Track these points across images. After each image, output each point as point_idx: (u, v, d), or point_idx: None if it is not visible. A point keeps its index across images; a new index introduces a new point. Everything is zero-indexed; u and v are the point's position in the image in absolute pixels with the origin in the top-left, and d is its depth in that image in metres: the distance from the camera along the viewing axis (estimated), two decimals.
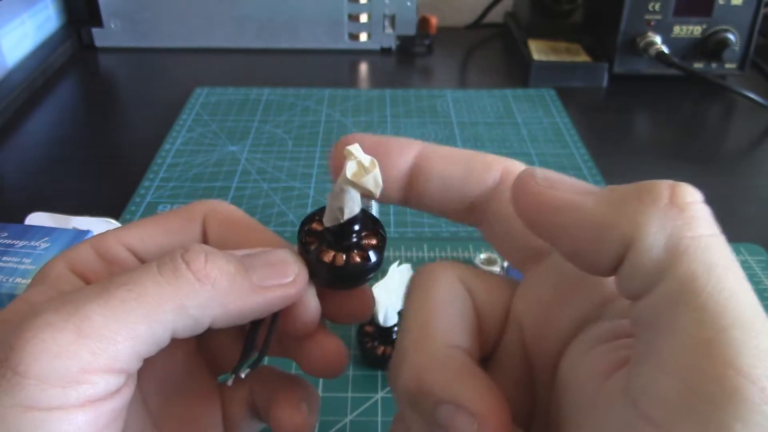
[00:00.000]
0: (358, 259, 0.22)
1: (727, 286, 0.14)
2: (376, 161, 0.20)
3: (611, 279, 0.18)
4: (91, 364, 0.17)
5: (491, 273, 0.22)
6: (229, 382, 0.22)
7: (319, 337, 0.23)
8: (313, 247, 0.22)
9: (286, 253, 0.22)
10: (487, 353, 0.21)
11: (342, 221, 0.21)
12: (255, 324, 0.22)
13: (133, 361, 0.18)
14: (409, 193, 0.22)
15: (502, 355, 0.21)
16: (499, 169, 0.21)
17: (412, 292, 0.21)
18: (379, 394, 0.36)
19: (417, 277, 0.21)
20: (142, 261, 0.23)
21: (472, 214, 0.22)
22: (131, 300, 0.18)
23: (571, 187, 0.18)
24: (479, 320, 0.21)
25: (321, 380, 0.37)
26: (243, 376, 0.22)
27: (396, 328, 0.37)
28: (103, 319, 0.17)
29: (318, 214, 0.23)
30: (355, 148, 0.20)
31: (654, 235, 0.15)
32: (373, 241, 0.22)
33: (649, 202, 0.16)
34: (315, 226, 0.23)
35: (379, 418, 0.35)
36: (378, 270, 0.23)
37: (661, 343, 0.15)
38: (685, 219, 0.15)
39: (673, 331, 0.15)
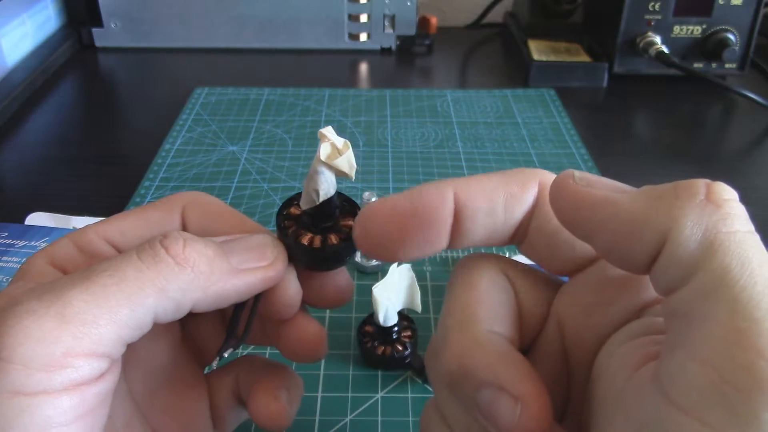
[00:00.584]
0: (335, 241, 0.22)
1: (760, 280, 0.15)
2: (348, 143, 0.21)
3: (651, 286, 0.18)
4: (74, 348, 0.17)
5: (534, 269, 0.22)
6: (214, 364, 0.22)
7: (298, 321, 0.24)
8: (291, 231, 0.22)
9: (264, 238, 0.22)
10: (525, 347, 0.21)
11: (318, 203, 0.22)
12: (238, 308, 0.23)
13: (117, 345, 0.18)
14: (456, 236, 0.21)
15: (539, 350, 0.21)
16: (535, 185, 0.21)
17: (456, 277, 0.21)
18: (379, 394, 0.36)
19: (462, 264, 0.22)
20: None
21: (515, 236, 0.21)
22: (112, 285, 0.18)
23: (608, 186, 0.18)
24: (520, 313, 0.21)
25: (321, 380, 0.37)
26: (226, 355, 0.22)
27: (396, 328, 0.37)
28: (85, 304, 0.18)
29: (295, 198, 0.23)
30: (328, 131, 0.21)
31: (690, 229, 0.16)
32: (350, 223, 0.23)
33: (686, 198, 0.16)
34: (293, 210, 0.23)
35: (379, 418, 0.35)
36: (355, 251, 0.23)
37: (693, 332, 0.15)
38: (721, 215, 0.16)
39: (706, 321, 0.15)
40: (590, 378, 0.19)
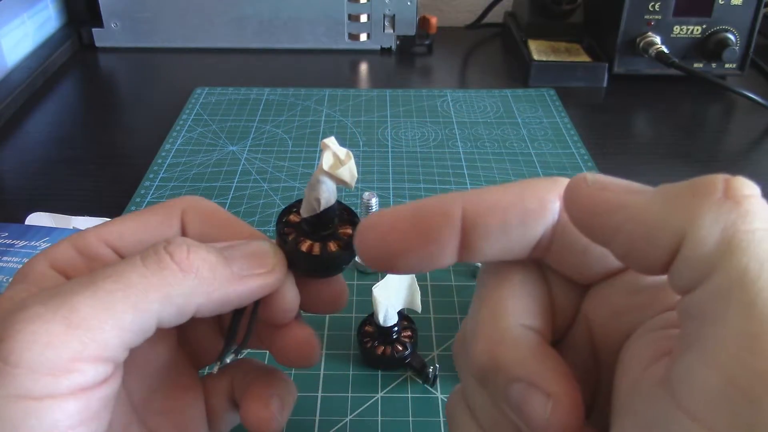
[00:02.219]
0: (334, 248, 0.23)
1: None
2: (351, 153, 0.21)
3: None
4: (80, 353, 0.17)
5: None
6: (215, 370, 0.23)
7: (292, 327, 0.24)
8: (290, 237, 0.23)
9: (264, 244, 0.22)
10: (555, 340, 0.21)
11: (318, 211, 0.22)
12: (237, 313, 0.23)
13: (121, 349, 0.19)
14: (465, 252, 0.20)
15: (569, 344, 0.21)
16: (555, 200, 0.19)
17: (489, 268, 0.21)
18: (379, 394, 0.36)
19: None
20: (122, 256, 0.23)
21: (536, 252, 0.20)
22: (117, 291, 0.18)
23: (622, 188, 0.17)
24: (553, 306, 0.20)
25: (321, 380, 0.37)
26: (228, 361, 0.22)
27: (396, 328, 0.37)
28: (91, 309, 0.18)
29: (295, 206, 0.24)
30: (330, 141, 0.21)
31: (707, 228, 0.15)
32: (349, 231, 0.23)
33: (702, 195, 0.15)
34: (292, 217, 0.23)
35: (379, 418, 0.35)
36: (353, 259, 0.24)
37: (706, 334, 0.15)
38: (740, 212, 0.15)
39: (720, 323, 0.14)
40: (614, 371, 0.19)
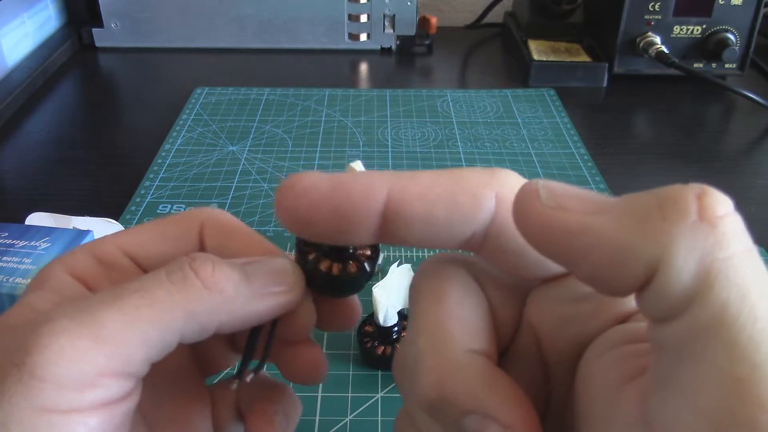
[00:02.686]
0: (353, 270, 0.22)
1: (762, 315, 0.13)
2: None
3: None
4: (106, 368, 0.17)
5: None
6: (233, 386, 0.22)
7: (303, 345, 0.24)
8: (311, 257, 0.23)
9: (284, 262, 0.22)
10: (500, 352, 0.20)
11: None
12: (255, 330, 0.23)
13: (144, 365, 0.19)
14: (386, 236, 0.18)
15: (515, 354, 0.20)
16: (491, 197, 0.17)
17: (422, 287, 0.20)
18: (379, 394, 0.36)
19: (426, 271, 0.20)
20: (141, 266, 0.23)
21: (467, 246, 0.19)
22: (144, 307, 0.18)
23: (582, 206, 0.16)
24: (494, 320, 0.19)
25: None
26: (248, 380, 0.22)
27: (396, 328, 0.37)
28: (117, 324, 0.18)
29: None
30: (357, 164, 0.20)
31: (683, 259, 0.14)
32: (368, 252, 0.23)
33: (675, 219, 0.14)
34: None
35: (379, 418, 0.35)
36: (370, 279, 0.24)
37: (687, 375, 0.14)
38: (716, 237, 0.14)
39: (702, 364, 0.14)
40: (574, 385, 0.19)
